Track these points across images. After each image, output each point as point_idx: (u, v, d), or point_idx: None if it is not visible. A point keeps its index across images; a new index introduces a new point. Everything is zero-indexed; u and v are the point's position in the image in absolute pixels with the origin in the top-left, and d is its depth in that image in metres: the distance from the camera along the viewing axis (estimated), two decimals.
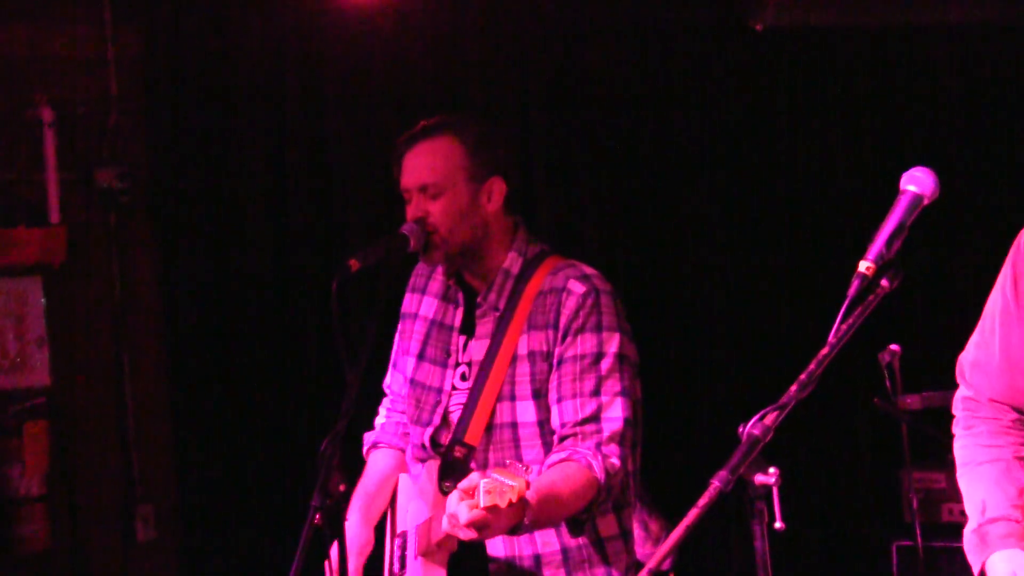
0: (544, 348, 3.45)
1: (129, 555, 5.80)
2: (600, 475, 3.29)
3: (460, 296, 3.64)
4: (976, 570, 3.02)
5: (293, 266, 5.86)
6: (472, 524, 3.00)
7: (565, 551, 3.47)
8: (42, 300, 5.69)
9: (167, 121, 5.78)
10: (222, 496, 5.75)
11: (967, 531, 3.07)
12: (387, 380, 3.92)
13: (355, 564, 3.66)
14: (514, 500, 2.91)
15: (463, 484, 3.00)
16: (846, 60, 6.62)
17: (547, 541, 3.47)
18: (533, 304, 3.48)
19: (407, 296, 3.81)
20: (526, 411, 3.46)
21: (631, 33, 6.36)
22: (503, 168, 3.57)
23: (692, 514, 2.37)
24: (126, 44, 5.78)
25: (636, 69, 6.38)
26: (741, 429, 2.46)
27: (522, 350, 3.47)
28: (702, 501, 2.37)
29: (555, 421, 3.42)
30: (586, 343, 3.41)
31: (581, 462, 3.30)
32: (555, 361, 3.43)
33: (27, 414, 5.61)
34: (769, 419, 2.45)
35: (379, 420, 3.95)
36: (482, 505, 2.93)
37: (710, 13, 6.42)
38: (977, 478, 3.10)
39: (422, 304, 3.75)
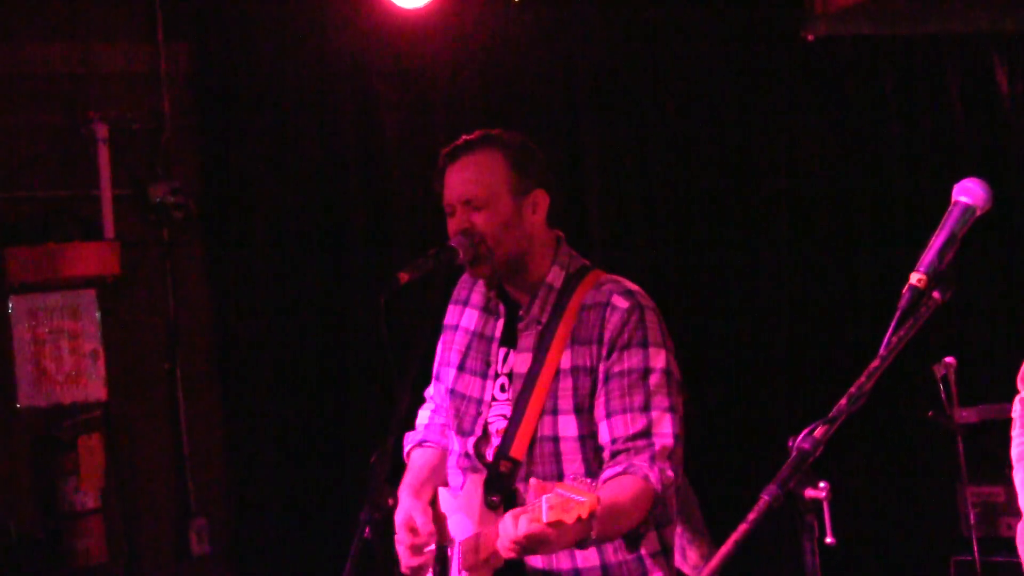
0: (588, 363, 3.43)
1: (183, 569, 5.82)
2: (657, 486, 3.28)
3: (501, 308, 3.63)
4: None
5: (345, 279, 5.88)
6: (531, 538, 2.97)
7: (605, 567, 3.45)
8: (97, 314, 5.73)
9: (219, 136, 5.81)
10: (275, 509, 5.77)
11: (1020, 526, 3.07)
12: (429, 390, 3.92)
13: (422, 515, 3.61)
14: (584, 516, 2.88)
15: (520, 512, 2.98)
16: (897, 70, 6.58)
17: (587, 556, 3.45)
18: (576, 319, 3.47)
19: (449, 308, 3.81)
20: (568, 425, 3.44)
21: (683, 43, 6.34)
22: (545, 181, 3.57)
23: (741, 529, 2.35)
24: (178, 60, 5.83)
25: (688, 79, 6.36)
26: (791, 443, 2.44)
27: (565, 364, 3.45)
28: (751, 516, 2.35)
29: (604, 437, 3.40)
30: (632, 358, 3.40)
31: (638, 474, 3.28)
32: (601, 377, 3.41)
33: (82, 427, 5.64)
34: (819, 432, 2.43)
35: (420, 421, 3.95)
36: (545, 520, 2.91)
37: (762, 23, 6.39)
38: None
39: (463, 316, 3.74)
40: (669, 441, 3.35)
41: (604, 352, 3.41)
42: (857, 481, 6.21)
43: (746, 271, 6.47)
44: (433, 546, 3.60)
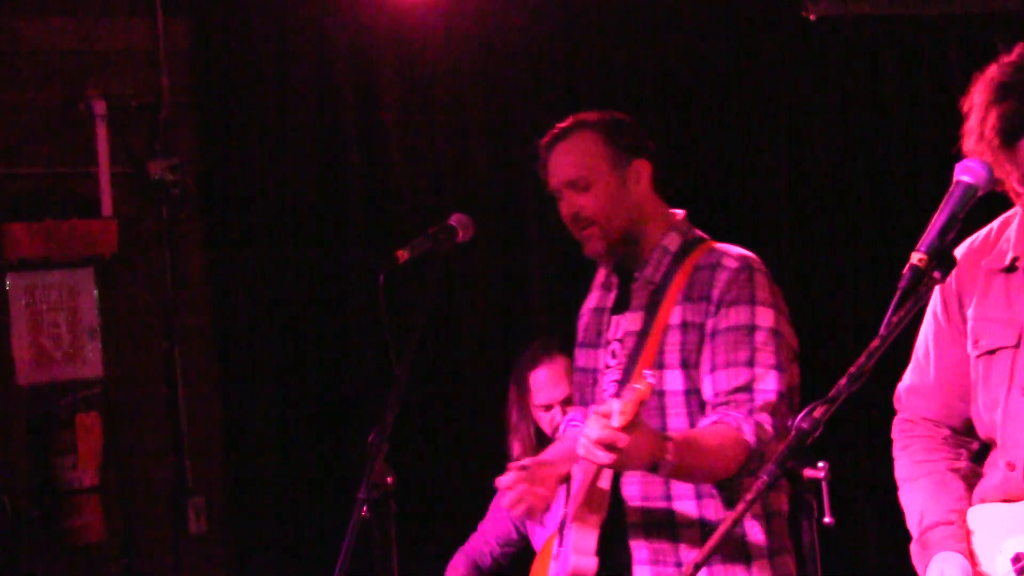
0: (697, 319, 3.49)
1: (180, 547, 5.82)
2: (751, 439, 3.31)
3: (614, 280, 3.72)
4: None
5: (344, 258, 5.86)
6: (603, 441, 3.01)
7: (699, 496, 3.48)
8: (94, 292, 5.71)
9: (218, 113, 5.79)
10: (273, 488, 5.76)
11: (911, 545, 3.10)
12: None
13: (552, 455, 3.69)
14: (637, 402, 2.94)
15: (600, 408, 3.05)
16: (899, 49, 6.56)
17: (685, 511, 3.47)
18: (688, 278, 3.54)
19: (587, 298, 3.90)
20: (673, 380, 3.49)
21: (683, 23, 6.32)
22: (644, 151, 3.68)
23: (739, 508, 2.35)
24: (177, 37, 5.80)
25: (688, 59, 6.34)
26: (790, 422, 2.44)
27: (674, 320, 3.51)
28: (750, 495, 2.35)
29: (707, 391, 3.45)
30: (739, 315, 3.46)
31: (731, 423, 3.34)
32: (708, 333, 3.47)
33: (80, 405, 5.63)
34: (818, 412, 2.43)
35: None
36: (616, 425, 2.96)
37: (763, 2, 6.37)
38: (915, 492, 3.15)
39: (589, 299, 3.85)
40: (772, 397, 3.39)
41: (712, 308, 3.47)
42: (856, 461, 6.20)
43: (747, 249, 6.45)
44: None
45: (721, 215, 6.40)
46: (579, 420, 3.95)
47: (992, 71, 2.86)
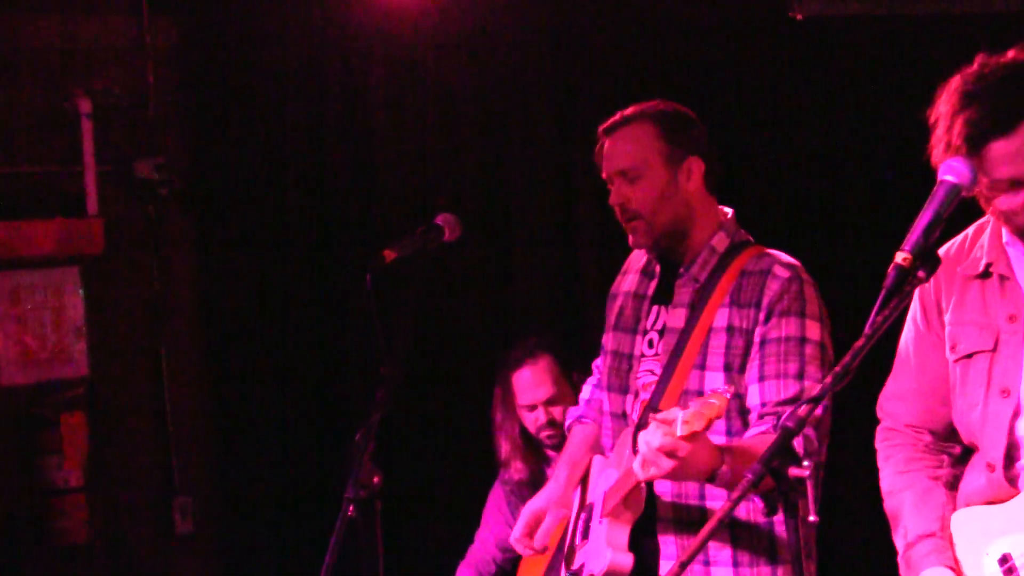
0: (745, 325, 3.50)
1: (167, 548, 5.81)
2: (800, 451, 3.31)
3: (657, 268, 3.73)
4: None
5: (331, 257, 5.85)
6: (665, 449, 3.02)
7: (733, 524, 3.50)
8: (80, 291, 5.70)
9: (205, 112, 5.78)
10: (260, 489, 5.76)
11: (898, 559, 3.11)
12: (597, 361, 4.00)
13: (550, 524, 3.75)
14: (712, 418, 2.94)
15: (661, 416, 3.05)
16: (886, 49, 6.56)
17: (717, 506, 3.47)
18: (735, 282, 3.56)
19: (617, 279, 3.92)
20: (714, 382, 3.50)
21: (670, 23, 6.31)
22: (700, 148, 3.68)
23: (724, 507, 2.35)
24: (163, 34, 5.79)
25: (674, 58, 6.33)
26: (775, 423, 2.43)
27: (719, 323, 3.52)
28: (734, 494, 2.35)
29: (754, 400, 3.46)
30: (790, 326, 3.48)
31: None
32: (756, 341, 3.48)
33: (65, 405, 5.62)
34: (803, 411, 2.43)
35: (583, 396, 4.08)
36: (679, 434, 2.97)
37: (749, 2, 6.37)
38: (897, 505, 3.16)
39: (625, 281, 3.86)
40: (819, 411, 3.38)
41: (762, 317, 3.48)
42: (841, 460, 6.21)
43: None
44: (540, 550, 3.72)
45: None
46: (587, 416, 3.95)
47: (955, 81, 2.90)
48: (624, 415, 3.65)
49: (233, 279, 5.79)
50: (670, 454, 3.02)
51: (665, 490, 3.51)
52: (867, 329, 2.52)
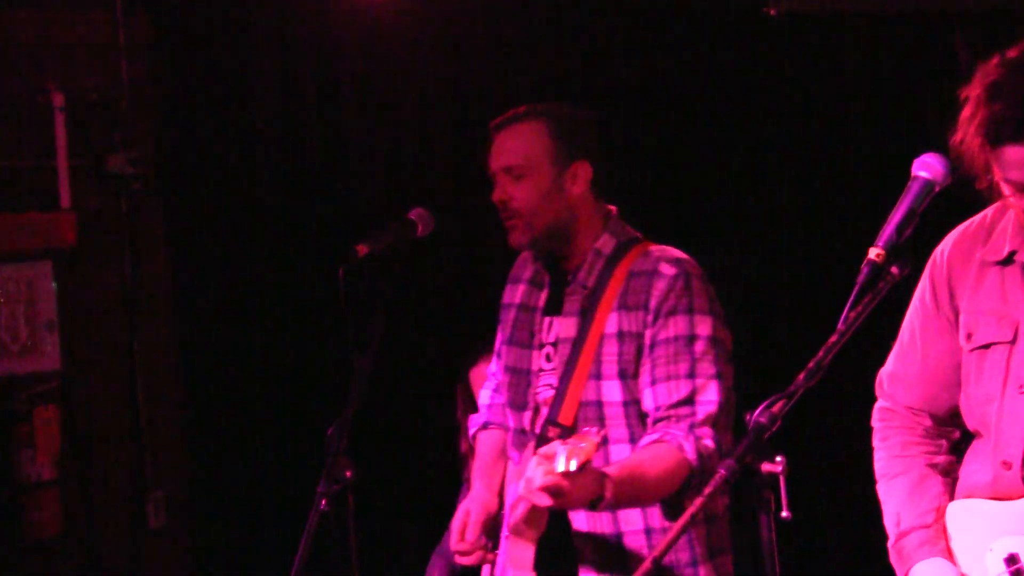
0: (634, 328, 3.46)
1: (140, 541, 5.80)
2: (692, 457, 3.29)
3: (546, 279, 3.68)
4: None
5: (304, 252, 5.85)
6: (547, 489, 3.01)
7: (648, 531, 3.47)
8: (53, 285, 5.68)
9: (178, 107, 5.77)
10: (233, 482, 5.75)
11: (888, 546, 3.06)
12: (492, 367, 3.96)
13: (476, 519, 3.69)
14: (579, 463, 2.91)
15: (544, 450, 3.03)
16: (860, 46, 6.58)
17: (629, 520, 3.47)
18: (624, 285, 3.50)
19: (506, 288, 3.87)
20: (611, 391, 3.46)
21: (645, 20, 6.32)
22: (589, 153, 3.62)
23: (697, 503, 2.36)
24: (137, 29, 5.77)
25: (647, 55, 6.34)
26: (748, 417, 2.44)
27: (610, 329, 3.48)
28: (708, 489, 2.36)
29: (648, 404, 3.43)
30: (678, 325, 3.43)
31: (672, 444, 3.31)
32: (647, 344, 3.44)
33: (38, 399, 5.60)
34: (776, 407, 2.43)
35: (482, 402, 4.01)
36: (559, 470, 2.94)
37: None
38: (891, 491, 3.11)
39: (516, 292, 3.80)
40: (713, 408, 3.38)
41: (650, 319, 3.44)
42: (813, 456, 6.24)
43: (705, 246, 6.45)
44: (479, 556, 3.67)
45: (682, 213, 6.42)
46: (492, 421, 3.91)
47: (991, 66, 2.82)
48: (524, 431, 3.62)
49: (206, 273, 5.79)
50: (552, 493, 3.02)
51: (578, 511, 3.47)
52: (840, 325, 2.53)
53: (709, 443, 3.34)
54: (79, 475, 5.67)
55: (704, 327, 3.44)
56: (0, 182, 5.61)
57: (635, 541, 3.47)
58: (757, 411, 2.43)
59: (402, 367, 5.87)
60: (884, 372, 3.24)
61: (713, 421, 3.37)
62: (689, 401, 3.38)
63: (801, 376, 2.49)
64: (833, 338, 2.52)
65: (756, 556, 2.48)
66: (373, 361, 3.45)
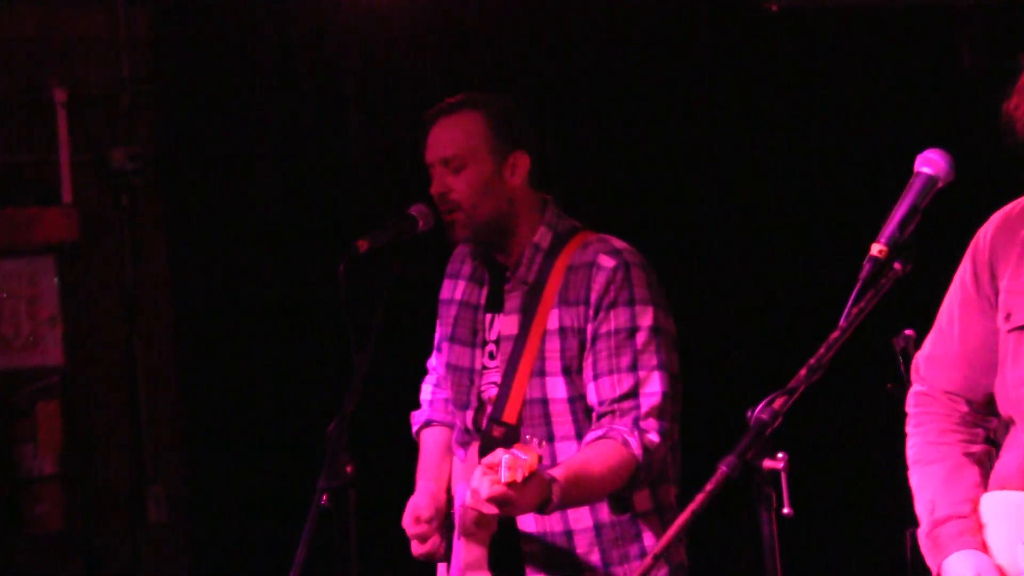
0: (576, 324, 3.41)
1: (140, 536, 5.80)
2: (637, 451, 3.26)
3: (486, 275, 3.63)
4: (934, 573, 2.95)
5: (304, 248, 5.85)
6: (493, 499, 2.99)
7: (598, 527, 3.44)
8: (55, 280, 5.69)
9: (179, 102, 5.77)
10: (233, 478, 5.75)
11: (919, 534, 3.01)
12: (431, 361, 3.93)
13: (427, 510, 3.66)
14: (522, 475, 2.91)
15: (487, 459, 3.00)
16: (862, 41, 6.57)
17: (579, 517, 3.44)
18: (563, 279, 3.46)
19: (444, 283, 3.81)
20: (556, 387, 3.43)
21: (642, 14, 6.31)
22: (527, 143, 3.56)
23: (698, 499, 2.35)
24: (137, 26, 5.78)
25: (648, 51, 6.33)
26: (749, 413, 2.43)
27: (552, 325, 3.44)
28: (709, 486, 2.35)
29: (592, 399, 3.39)
30: (619, 318, 3.38)
31: (617, 439, 3.27)
32: (588, 338, 3.40)
33: (40, 393, 5.61)
34: (778, 403, 2.42)
35: (424, 398, 3.96)
36: (504, 480, 2.93)
37: None
38: (926, 477, 3.06)
39: (456, 289, 3.75)
40: (656, 400, 3.34)
41: (591, 313, 3.40)
42: (815, 453, 6.22)
43: (705, 242, 6.46)
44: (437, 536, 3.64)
45: (684, 209, 6.41)
46: (434, 418, 3.89)
47: None
48: (468, 430, 3.59)
49: (206, 268, 5.79)
50: (499, 503, 3.01)
51: (528, 522, 3.45)
52: (842, 322, 2.51)
53: (654, 437, 3.30)
54: (80, 469, 5.68)
55: (645, 318, 3.39)
56: (2, 177, 5.62)
57: (584, 539, 3.45)
58: (759, 407, 2.42)
59: (402, 363, 5.86)
60: (921, 355, 3.18)
61: (658, 413, 3.33)
62: (633, 394, 3.34)
63: (803, 372, 2.48)
64: (835, 334, 2.50)
65: (757, 553, 2.47)
66: (373, 357, 3.43)
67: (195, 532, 5.83)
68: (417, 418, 3.94)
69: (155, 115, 5.80)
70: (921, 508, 3.04)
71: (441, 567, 3.68)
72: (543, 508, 3.13)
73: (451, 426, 3.79)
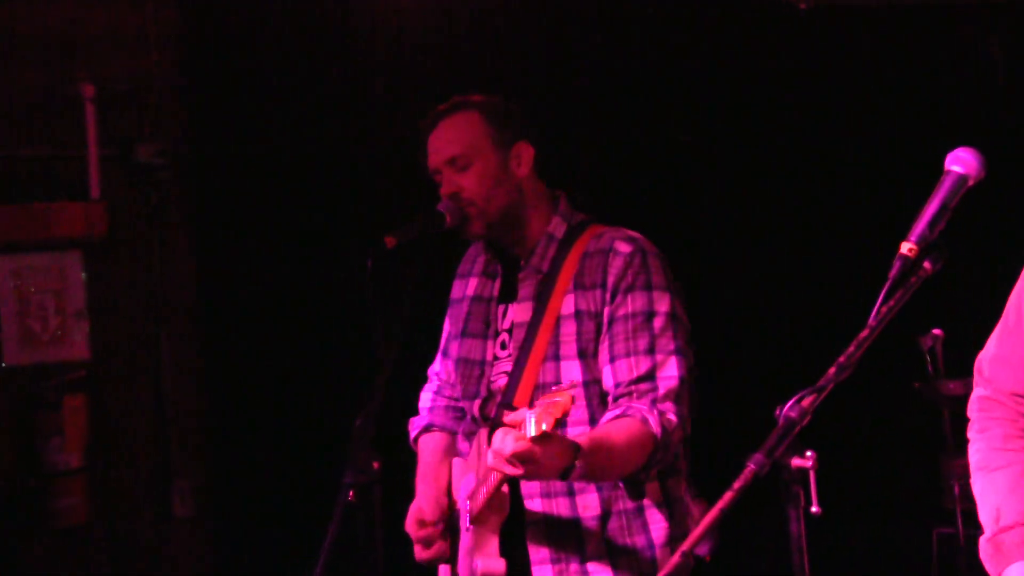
0: (592, 308, 3.41)
1: (166, 530, 5.82)
2: (656, 430, 3.24)
3: (498, 268, 3.64)
4: None
5: (332, 243, 5.85)
6: (517, 455, 2.95)
7: (605, 515, 3.43)
8: (82, 274, 5.71)
9: (206, 98, 5.79)
10: (259, 472, 5.76)
11: (982, 540, 2.94)
12: (434, 367, 3.92)
13: (431, 512, 3.65)
14: (555, 417, 2.86)
15: (509, 418, 2.99)
16: (891, 39, 6.55)
17: (587, 504, 3.43)
18: (578, 266, 3.46)
19: (455, 283, 3.83)
20: (571, 371, 3.41)
21: (669, 10, 6.30)
22: (528, 133, 3.58)
23: (727, 497, 2.34)
24: (166, 21, 5.80)
25: (674, 47, 6.32)
26: (778, 411, 2.42)
27: (567, 310, 3.43)
28: (737, 484, 2.34)
29: (608, 382, 3.38)
30: (636, 301, 3.38)
31: (636, 417, 3.26)
32: (605, 321, 3.40)
33: (67, 387, 5.63)
34: (806, 402, 2.41)
35: (423, 404, 3.94)
36: (530, 435, 2.89)
37: None
38: (991, 484, 2.97)
39: (467, 286, 3.76)
40: (674, 383, 3.34)
41: (608, 296, 3.40)
42: (843, 451, 6.21)
43: (735, 239, 6.45)
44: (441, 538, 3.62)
45: (714, 206, 6.41)
46: (434, 423, 3.88)
47: None
48: (475, 419, 3.58)
49: (233, 264, 5.80)
50: (523, 460, 2.97)
51: (532, 492, 3.43)
52: (871, 320, 2.50)
53: (672, 417, 3.29)
54: (106, 463, 5.70)
55: (663, 304, 3.39)
56: (30, 172, 5.64)
57: (592, 526, 3.42)
58: (787, 406, 2.41)
59: (429, 358, 5.87)
60: (984, 357, 3.07)
61: (675, 396, 3.32)
62: (650, 376, 3.33)
63: (832, 370, 2.46)
64: (864, 333, 2.49)
65: (785, 552, 2.47)
66: (399, 352, 3.43)
67: (220, 526, 5.85)
68: (416, 424, 3.93)
69: (183, 111, 5.82)
70: (985, 515, 2.96)
71: (443, 569, 3.67)
72: (566, 474, 3.10)
73: (451, 432, 3.79)
